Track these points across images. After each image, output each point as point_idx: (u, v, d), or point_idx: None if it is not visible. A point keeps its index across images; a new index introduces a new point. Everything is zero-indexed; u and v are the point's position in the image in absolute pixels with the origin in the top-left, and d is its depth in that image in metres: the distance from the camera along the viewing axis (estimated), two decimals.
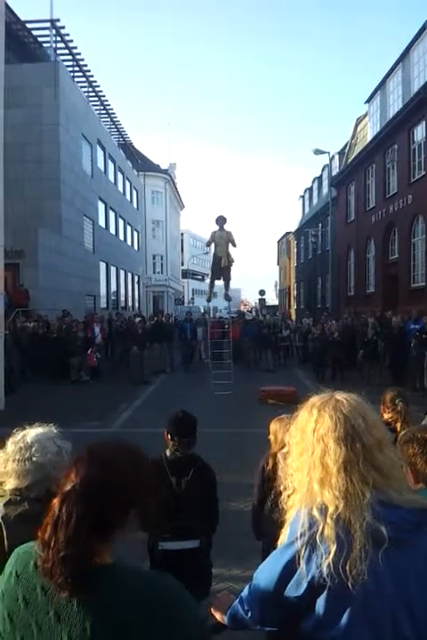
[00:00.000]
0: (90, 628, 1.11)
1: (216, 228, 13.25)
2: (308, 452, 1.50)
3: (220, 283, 14.22)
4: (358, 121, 28.14)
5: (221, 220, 13.08)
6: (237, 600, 1.66)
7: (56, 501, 1.19)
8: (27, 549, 1.26)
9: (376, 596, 1.37)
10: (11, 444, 1.99)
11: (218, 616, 1.75)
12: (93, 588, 1.13)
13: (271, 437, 3.44)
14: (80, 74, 23.84)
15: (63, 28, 20.79)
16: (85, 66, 23.60)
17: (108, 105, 28.36)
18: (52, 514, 1.19)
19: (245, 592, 1.62)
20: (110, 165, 29.31)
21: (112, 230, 29.40)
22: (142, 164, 42.06)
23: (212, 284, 14.23)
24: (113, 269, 28.88)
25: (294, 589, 1.42)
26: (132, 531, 1.27)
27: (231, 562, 4.31)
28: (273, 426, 3.45)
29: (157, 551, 3.07)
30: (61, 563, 1.12)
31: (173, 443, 3.13)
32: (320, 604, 1.40)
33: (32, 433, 2.01)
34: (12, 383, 12.05)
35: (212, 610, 1.79)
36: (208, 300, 14.65)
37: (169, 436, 3.15)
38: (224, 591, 1.92)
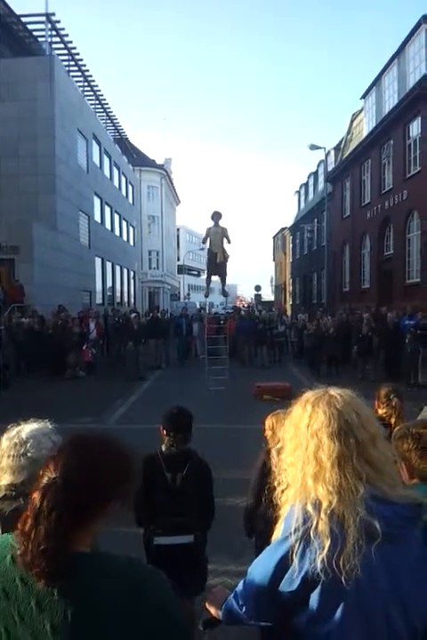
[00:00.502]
0: (71, 614, 1.12)
1: (212, 223, 13.24)
2: (302, 448, 1.51)
3: (216, 278, 14.21)
4: (354, 116, 28.13)
5: (216, 216, 13.07)
6: (232, 595, 1.66)
7: (36, 494, 1.20)
8: (2, 542, 1.26)
9: (370, 591, 1.38)
10: (5, 440, 1.98)
11: (213, 611, 1.76)
12: (73, 575, 1.15)
13: (269, 433, 3.44)
14: (75, 68, 23.68)
15: (58, 21, 20.64)
16: (81, 60, 23.45)
17: (104, 99, 28.22)
18: (32, 506, 1.19)
19: (240, 587, 1.62)
20: (106, 160, 29.19)
21: (108, 225, 29.30)
22: (138, 159, 41.89)
23: (208, 280, 14.21)
24: (109, 265, 28.79)
25: (288, 584, 1.43)
26: (116, 520, 1.28)
27: (226, 557, 4.32)
28: (269, 421, 3.45)
29: (151, 546, 3.09)
30: (41, 555, 1.13)
31: (168, 438, 3.13)
32: (314, 598, 1.40)
33: (27, 429, 2.01)
34: (7, 378, 12.03)
35: (206, 604, 1.80)
36: (206, 296, 14.63)
37: (164, 432, 3.15)
38: (219, 586, 1.92)
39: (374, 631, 1.38)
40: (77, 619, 1.13)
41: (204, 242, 14.06)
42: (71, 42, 21.93)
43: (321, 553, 1.37)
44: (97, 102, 27.77)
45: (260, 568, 1.54)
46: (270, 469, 3.27)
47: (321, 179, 33.43)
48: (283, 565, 1.44)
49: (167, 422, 3.16)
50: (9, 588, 1.18)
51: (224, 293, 14.46)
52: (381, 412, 3.54)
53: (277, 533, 1.52)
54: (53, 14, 20.30)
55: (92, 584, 1.16)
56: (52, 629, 1.13)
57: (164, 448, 3.16)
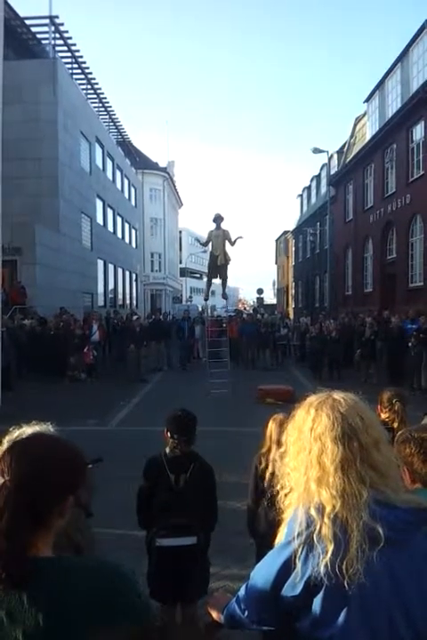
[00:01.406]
0: (43, 620, 1.12)
1: (213, 226, 13.23)
2: (305, 451, 1.50)
3: (217, 281, 14.20)
4: (357, 120, 28.15)
5: (217, 219, 13.05)
6: (234, 599, 1.65)
7: None
8: None
9: (373, 596, 1.37)
10: (7, 444, 1.98)
11: (215, 615, 1.75)
12: (39, 581, 1.15)
13: (267, 436, 3.46)
14: (79, 71, 23.78)
15: (62, 24, 20.74)
16: (84, 63, 23.55)
17: (107, 102, 28.31)
18: None
19: (242, 591, 1.62)
20: (109, 163, 29.25)
21: (110, 228, 29.34)
22: (141, 161, 41.98)
23: (209, 283, 14.20)
24: (111, 267, 28.82)
25: (291, 589, 1.42)
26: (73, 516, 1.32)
27: (228, 561, 4.31)
28: (270, 424, 3.46)
29: (153, 548, 3.08)
30: None
31: (172, 441, 3.13)
32: (317, 603, 1.39)
33: (29, 431, 2.00)
34: (9, 381, 12.03)
35: (208, 608, 1.79)
36: (205, 299, 14.62)
37: (168, 434, 3.15)
38: (221, 590, 1.92)
39: (377, 636, 1.38)
40: (49, 625, 1.13)
41: (205, 245, 14.06)
42: (75, 44, 22.04)
43: (324, 557, 1.36)
44: (100, 105, 27.87)
45: (262, 572, 1.53)
46: (262, 472, 3.29)
47: (324, 182, 33.43)
48: (286, 570, 1.43)
49: (171, 425, 3.16)
50: None
51: (224, 296, 14.46)
52: (383, 416, 3.53)
53: (280, 537, 1.51)
54: (57, 17, 20.40)
55: (60, 588, 1.16)
56: (25, 637, 1.13)
57: (168, 450, 3.16)
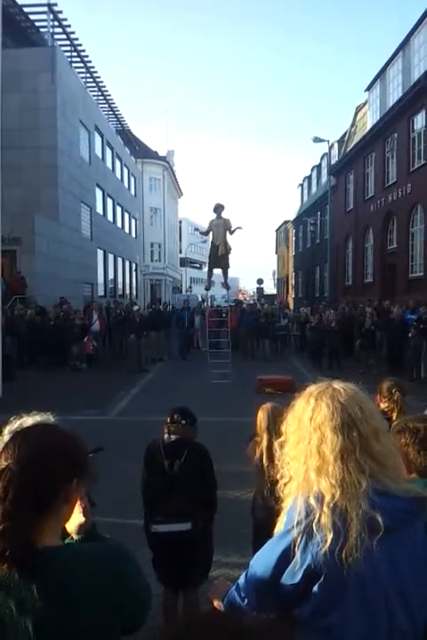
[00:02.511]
0: (52, 610, 1.15)
1: (214, 216, 13.17)
2: (305, 441, 1.51)
3: (218, 271, 14.15)
4: (358, 109, 27.98)
5: (218, 208, 12.98)
6: (234, 587, 1.66)
7: None
8: None
9: (372, 584, 1.38)
10: (8, 433, 1.98)
11: (215, 603, 1.76)
12: (49, 571, 1.18)
13: (257, 425, 3.51)
14: (78, 59, 23.55)
15: (61, 12, 20.51)
16: (83, 51, 23.31)
17: (106, 91, 28.08)
18: None
19: (242, 580, 1.63)
20: (108, 152, 29.08)
21: (110, 217, 29.22)
22: (140, 150, 41.74)
23: (210, 273, 14.14)
24: (111, 257, 28.74)
25: (290, 577, 1.43)
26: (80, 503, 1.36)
27: (228, 549, 4.34)
28: (259, 414, 3.51)
29: (150, 534, 3.11)
30: (0, 537, 1.16)
31: (171, 423, 3.16)
32: (316, 591, 1.41)
33: (29, 421, 2.00)
34: (9, 371, 12.05)
35: (209, 596, 1.81)
36: (207, 289, 14.58)
37: (169, 420, 3.18)
38: (221, 578, 1.93)
39: (376, 624, 1.39)
40: (59, 613, 1.16)
41: (206, 234, 14.00)
42: (73, 32, 21.80)
43: (324, 546, 1.37)
44: (99, 93, 27.65)
45: (262, 561, 1.54)
46: (258, 462, 3.32)
47: (324, 172, 33.29)
48: (285, 558, 1.44)
49: (173, 411, 3.23)
50: None
51: (226, 286, 14.42)
52: (383, 406, 3.53)
53: (280, 526, 1.52)
54: (55, 5, 20.18)
55: (69, 577, 1.19)
56: (34, 627, 1.14)
57: (165, 436, 3.19)
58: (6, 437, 1.96)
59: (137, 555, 1.40)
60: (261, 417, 3.45)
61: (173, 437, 3.14)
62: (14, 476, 1.20)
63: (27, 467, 1.21)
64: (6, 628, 1.16)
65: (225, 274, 13.63)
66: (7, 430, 1.99)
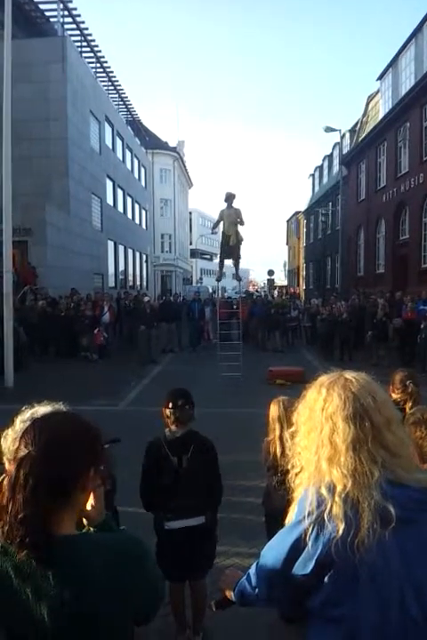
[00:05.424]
0: (67, 597, 1.16)
1: (225, 206, 13.06)
2: (316, 431, 1.50)
3: (229, 262, 14.05)
4: (370, 98, 27.63)
5: (229, 198, 12.85)
6: (245, 577, 1.67)
7: (12, 467, 1.24)
8: None
9: (384, 575, 1.37)
10: (19, 423, 1.99)
11: (226, 592, 1.77)
12: (65, 559, 1.18)
13: (270, 418, 3.50)
14: (88, 49, 23.53)
15: (70, 1, 20.49)
16: (93, 41, 23.29)
17: (117, 81, 28.03)
18: (9, 479, 1.23)
19: (253, 569, 1.63)
20: (118, 142, 29.04)
21: (120, 208, 29.25)
22: (150, 141, 41.67)
23: (221, 263, 14.04)
24: (121, 248, 28.80)
25: (302, 568, 1.43)
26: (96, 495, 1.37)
27: (238, 539, 4.35)
28: (271, 407, 3.51)
29: (162, 531, 3.10)
30: (20, 523, 1.16)
31: (171, 415, 3.13)
32: (328, 582, 1.40)
33: (41, 411, 2.01)
34: (21, 361, 12.14)
35: (220, 585, 1.81)
36: (218, 280, 14.50)
37: (167, 410, 3.15)
38: (232, 568, 1.93)
39: (388, 615, 1.38)
40: (74, 601, 1.16)
41: (216, 225, 13.89)
42: (84, 22, 21.79)
43: (335, 536, 1.36)
44: (109, 83, 27.60)
45: (273, 551, 1.54)
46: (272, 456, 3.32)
47: (336, 162, 33.00)
48: (296, 548, 1.43)
49: (169, 396, 3.19)
50: (2, 578, 1.20)
51: (238, 277, 14.35)
52: (395, 396, 3.51)
53: (291, 516, 1.51)
54: None
55: (85, 565, 1.20)
56: (49, 614, 1.16)
57: (167, 432, 3.16)
58: (18, 426, 1.97)
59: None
60: (274, 409, 3.46)
61: (178, 433, 3.12)
62: (35, 463, 1.20)
63: (48, 454, 1.21)
64: (22, 615, 1.17)
65: (236, 265, 13.56)
66: (19, 419, 2.00)
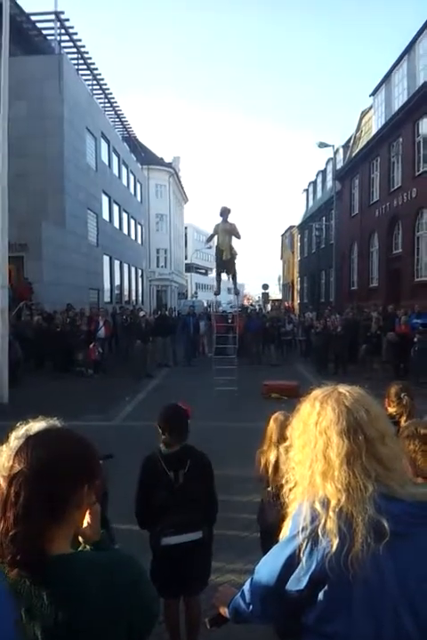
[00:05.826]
0: (61, 617, 1.15)
1: (220, 220, 13.06)
2: (310, 445, 1.49)
3: (226, 277, 14.02)
4: (363, 114, 27.96)
5: (224, 212, 12.86)
6: (239, 594, 1.66)
7: (4, 484, 1.24)
8: None
9: (378, 590, 1.37)
10: (14, 439, 1.98)
11: (220, 609, 1.75)
12: (59, 578, 1.17)
13: (267, 436, 3.49)
14: (84, 67, 23.72)
15: (68, 20, 20.68)
16: (90, 59, 23.50)
17: (113, 97, 28.25)
18: (1, 496, 1.23)
19: (247, 586, 1.62)
20: (114, 159, 29.21)
21: (116, 224, 29.33)
22: (146, 157, 41.91)
23: (218, 277, 14.02)
24: (117, 263, 28.83)
25: (296, 583, 1.42)
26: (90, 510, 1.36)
27: (233, 555, 4.31)
28: (271, 424, 3.49)
29: (159, 547, 3.07)
30: (10, 542, 1.15)
31: (164, 437, 3.13)
32: (322, 597, 1.39)
33: (35, 427, 2.00)
34: (16, 377, 12.07)
35: (214, 602, 1.80)
36: (216, 294, 14.46)
37: (160, 431, 3.15)
38: (226, 584, 1.92)
39: (382, 629, 1.37)
40: (68, 621, 1.15)
41: (210, 239, 13.89)
42: (80, 40, 21.98)
43: (329, 551, 1.36)
44: (105, 100, 27.80)
45: (267, 567, 1.53)
46: (264, 471, 3.30)
47: (330, 177, 33.27)
48: (290, 564, 1.43)
49: (161, 421, 3.16)
50: None
51: (236, 291, 14.36)
52: (390, 410, 3.52)
53: (285, 531, 1.51)
54: (63, 13, 20.35)
55: (79, 584, 1.18)
56: (43, 634, 1.15)
57: (162, 447, 3.15)
58: (13, 443, 1.96)
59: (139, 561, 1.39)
60: (273, 428, 3.44)
61: (174, 448, 3.10)
62: (27, 480, 1.19)
63: (40, 472, 1.20)
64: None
65: (234, 280, 13.54)
66: (13, 436, 1.99)
